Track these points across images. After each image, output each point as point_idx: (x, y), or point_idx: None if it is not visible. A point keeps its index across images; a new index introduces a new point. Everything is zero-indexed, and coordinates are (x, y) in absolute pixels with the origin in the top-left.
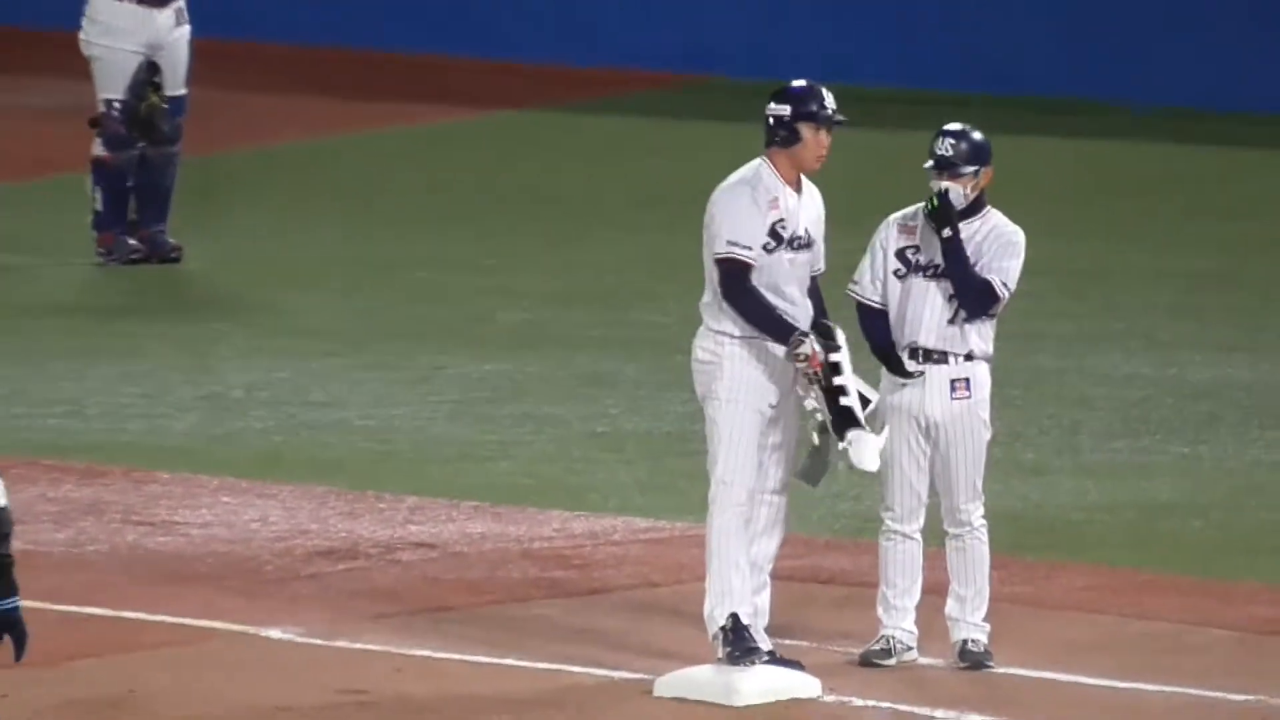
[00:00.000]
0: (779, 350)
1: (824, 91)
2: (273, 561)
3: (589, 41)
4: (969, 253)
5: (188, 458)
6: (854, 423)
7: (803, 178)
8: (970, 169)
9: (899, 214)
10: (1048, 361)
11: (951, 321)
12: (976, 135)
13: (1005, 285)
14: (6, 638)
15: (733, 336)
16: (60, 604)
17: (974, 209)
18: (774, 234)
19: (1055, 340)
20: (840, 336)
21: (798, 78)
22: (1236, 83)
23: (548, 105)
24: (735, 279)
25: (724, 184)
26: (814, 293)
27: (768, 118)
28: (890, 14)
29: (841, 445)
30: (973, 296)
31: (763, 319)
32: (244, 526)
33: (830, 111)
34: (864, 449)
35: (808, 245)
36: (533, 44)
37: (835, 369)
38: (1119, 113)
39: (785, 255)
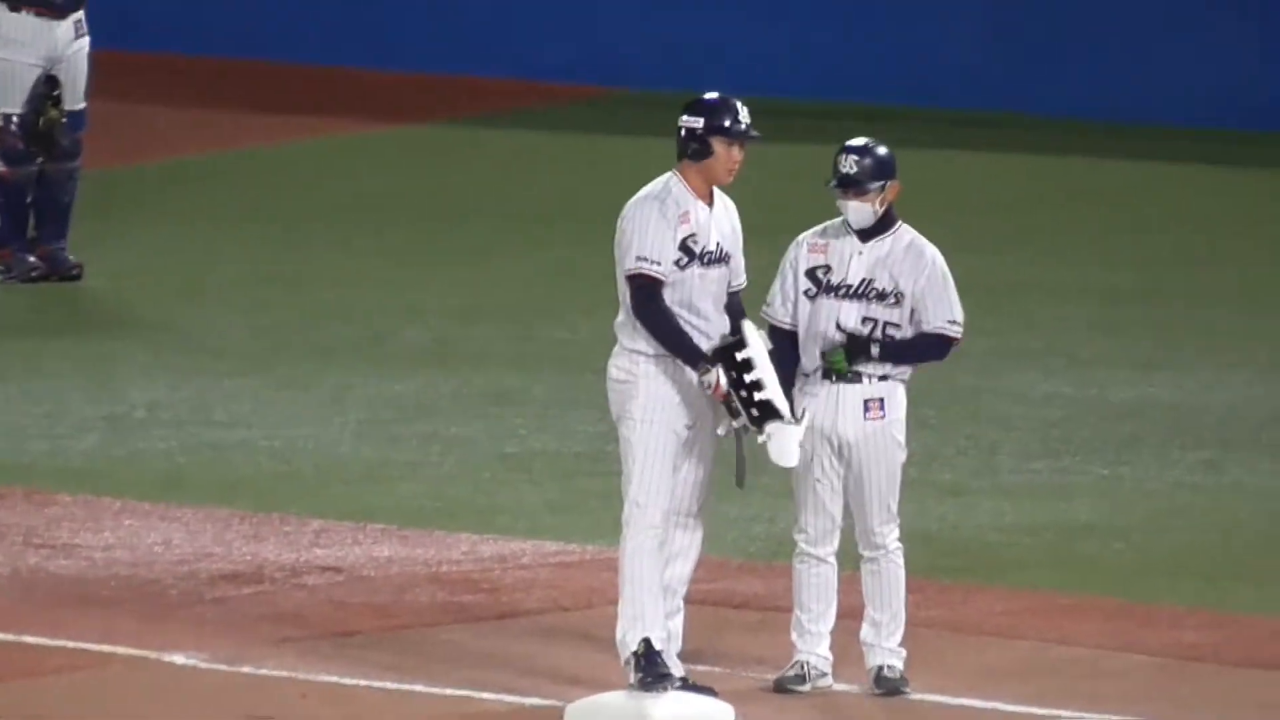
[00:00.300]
0: (689, 378)
1: (738, 104)
2: (176, 585)
3: (493, 54)
4: (880, 273)
5: (89, 479)
6: (773, 415)
7: (716, 191)
8: (875, 185)
9: (809, 232)
10: (965, 380)
11: (870, 336)
12: (881, 150)
13: (954, 322)
14: None
15: (647, 355)
16: None
17: (884, 225)
18: (685, 249)
19: (972, 358)
20: (750, 331)
21: (706, 89)
22: (1153, 95)
23: (452, 119)
24: (646, 295)
25: (634, 199)
26: (734, 308)
27: (679, 129)
28: (802, 25)
29: (761, 439)
30: (935, 357)
31: (672, 341)
32: (147, 549)
33: (744, 125)
34: (784, 442)
35: (721, 260)
36: (437, 56)
37: (746, 366)
38: (1035, 126)
39: (698, 271)
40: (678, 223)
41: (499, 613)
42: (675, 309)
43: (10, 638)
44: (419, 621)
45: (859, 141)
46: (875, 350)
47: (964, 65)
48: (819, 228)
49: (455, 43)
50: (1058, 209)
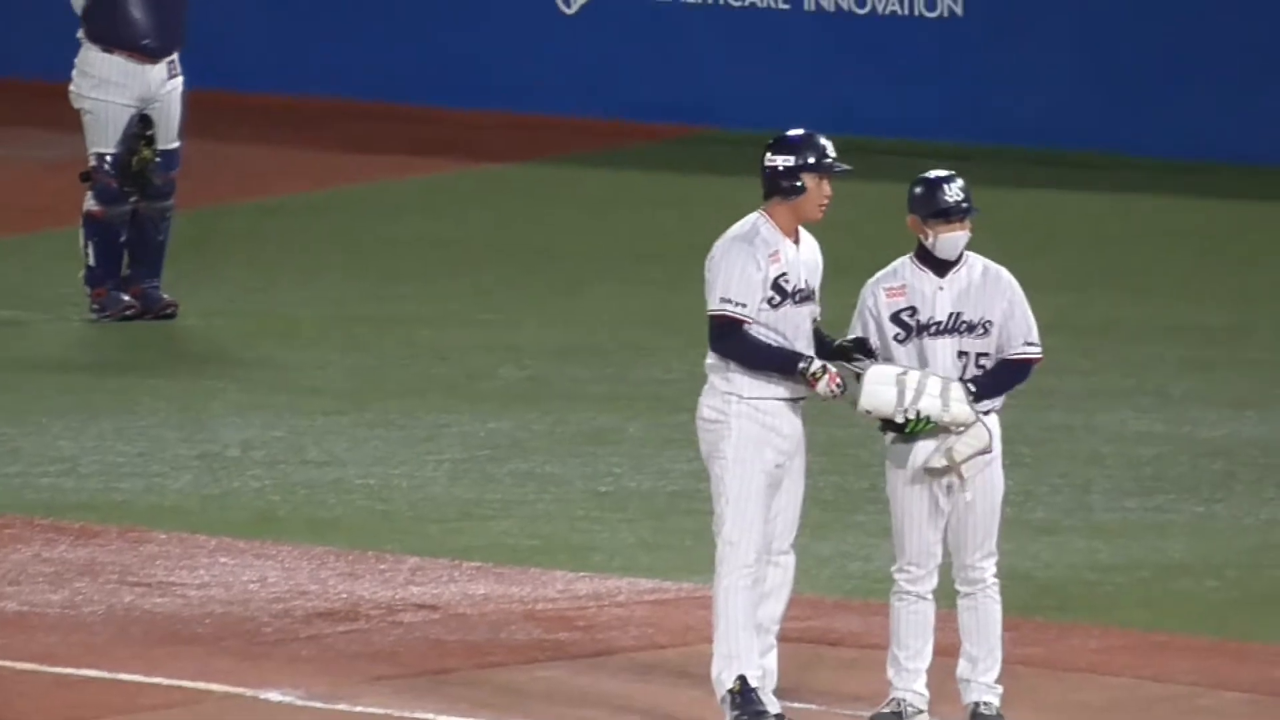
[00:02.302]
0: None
1: (823, 139)
2: (271, 623)
3: (586, 94)
4: (966, 305)
5: (184, 517)
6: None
7: (800, 228)
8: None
9: (878, 279)
10: (1058, 418)
11: (962, 377)
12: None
13: (1033, 343)
14: None
15: (740, 397)
16: (56, 666)
17: (960, 256)
18: (778, 288)
19: (1065, 396)
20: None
21: (789, 127)
22: (1247, 135)
23: (544, 158)
24: (723, 333)
25: (721, 239)
26: (818, 338)
27: (766, 168)
28: (889, 64)
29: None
30: (1020, 381)
31: (764, 357)
32: (242, 587)
33: (832, 159)
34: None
35: (810, 297)
36: (528, 96)
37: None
38: (1127, 165)
39: (791, 309)
40: (768, 262)
41: (595, 650)
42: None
43: (106, 675)
44: (515, 659)
45: (945, 171)
46: (972, 390)
47: (1054, 104)
48: (886, 271)
49: (546, 82)
50: (1148, 248)
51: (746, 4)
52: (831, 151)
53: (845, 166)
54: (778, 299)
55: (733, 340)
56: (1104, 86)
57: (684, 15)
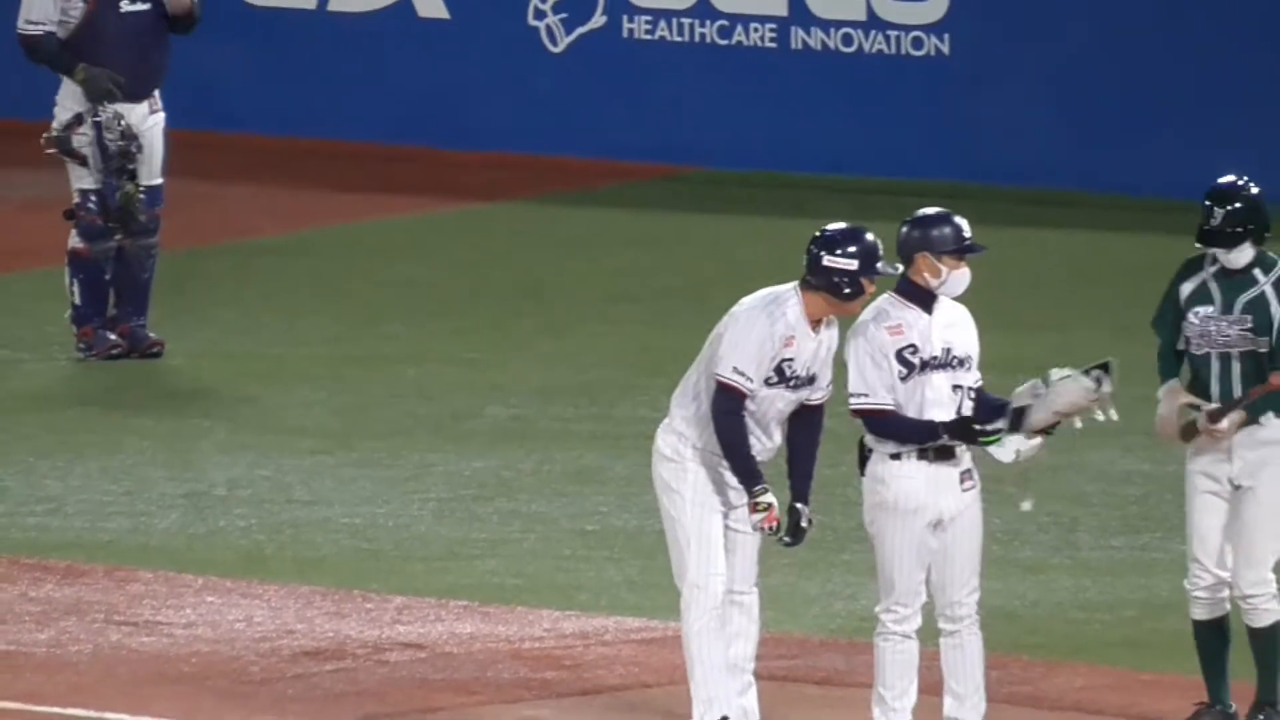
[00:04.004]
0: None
1: (878, 242)
2: (258, 662)
3: (571, 133)
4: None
5: (170, 556)
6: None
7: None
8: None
9: (872, 317)
10: (1044, 457)
11: (957, 414)
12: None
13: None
14: None
15: (695, 447)
16: (42, 705)
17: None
18: (779, 371)
19: (1050, 435)
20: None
21: (783, 169)
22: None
23: (528, 197)
24: (730, 405)
25: (748, 302)
26: (810, 426)
27: (821, 266)
28: (876, 104)
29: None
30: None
31: (738, 454)
32: (228, 626)
33: (883, 265)
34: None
35: (806, 384)
36: (516, 135)
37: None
38: (1112, 204)
39: (781, 392)
40: (781, 346)
41: (581, 689)
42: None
43: (93, 714)
44: (501, 698)
45: (943, 209)
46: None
47: (1039, 144)
48: (876, 311)
49: (530, 121)
50: (1132, 287)
51: (733, 42)
52: (883, 253)
53: (896, 270)
54: (775, 380)
55: (732, 419)
56: (1088, 126)
57: (669, 54)
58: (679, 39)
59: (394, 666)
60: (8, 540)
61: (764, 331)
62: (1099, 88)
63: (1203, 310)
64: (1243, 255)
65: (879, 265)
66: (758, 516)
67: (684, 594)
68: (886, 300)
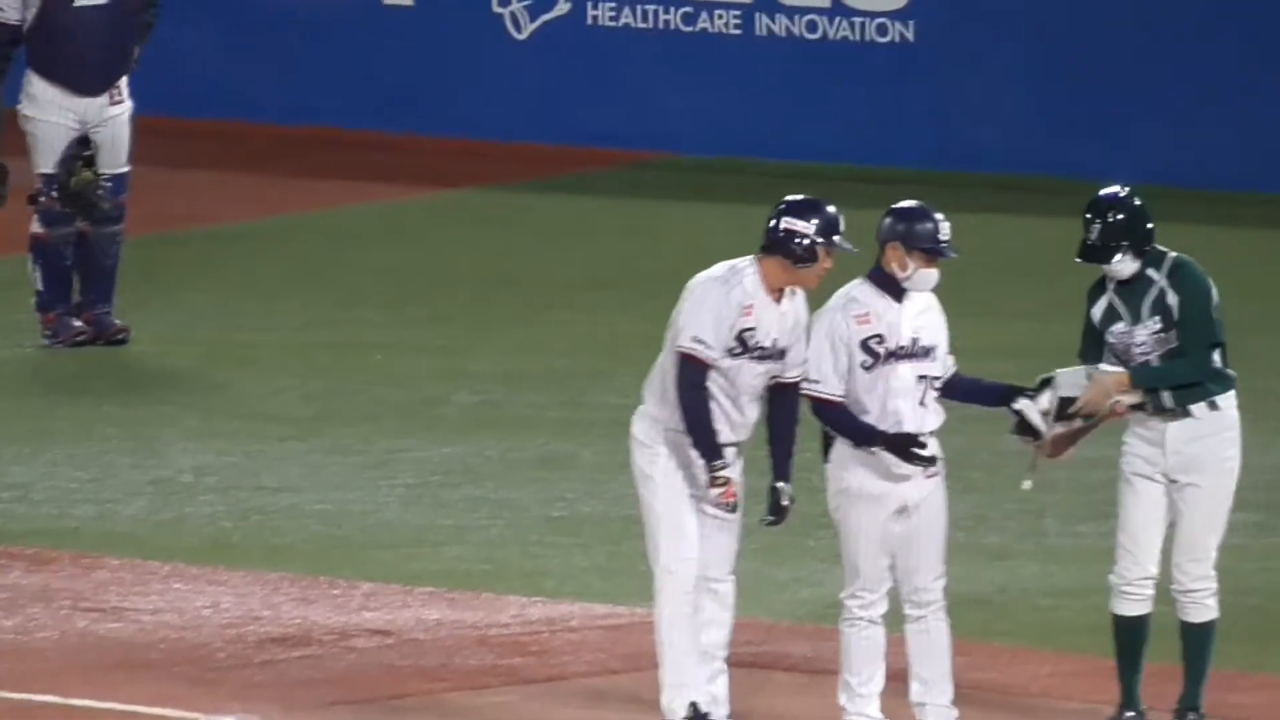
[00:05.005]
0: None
1: (839, 214)
2: (225, 648)
3: (537, 119)
4: (921, 330)
5: (137, 543)
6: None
7: (789, 289)
8: None
9: (843, 305)
10: (1011, 443)
11: (921, 403)
12: None
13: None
14: None
15: (667, 428)
16: (9, 692)
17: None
18: (740, 340)
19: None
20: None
21: (753, 156)
22: (1202, 160)
23: (497, 184)
24: (693, 376)
25: (703, 276)
26: (789, 404)
27: (781, 230)
28: (841, 90)
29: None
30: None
31: (700, 428)
32: (195, 613)
33: (840, 239)
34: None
35: (772, 356)
36: (483, 123)
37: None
38: (1084, 190)
39: (746, 363)
40: (739, 314)
41: (548, 675)
42: (714, 391)
43: (59, 700)
44: (468, 684)
45: (933, 209)
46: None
47: (1006, 129)
48: (846, 298)
49: (502, 108)
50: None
51: (698, 29)
52: (843, 228)
53: (854, 249)
54: (738, 349)
55: (695, 392)
56: (1057, 111)
57: (635, 40)
58: (643, 25)
59: (361, 653)
60: None
61: (719, 299)
62: (1067, 73)
63: (1117, 328)
64: (1126, 266)
65: (836, 238)
66: (716, 491)
67: (656, 579)
68: (858, 287)
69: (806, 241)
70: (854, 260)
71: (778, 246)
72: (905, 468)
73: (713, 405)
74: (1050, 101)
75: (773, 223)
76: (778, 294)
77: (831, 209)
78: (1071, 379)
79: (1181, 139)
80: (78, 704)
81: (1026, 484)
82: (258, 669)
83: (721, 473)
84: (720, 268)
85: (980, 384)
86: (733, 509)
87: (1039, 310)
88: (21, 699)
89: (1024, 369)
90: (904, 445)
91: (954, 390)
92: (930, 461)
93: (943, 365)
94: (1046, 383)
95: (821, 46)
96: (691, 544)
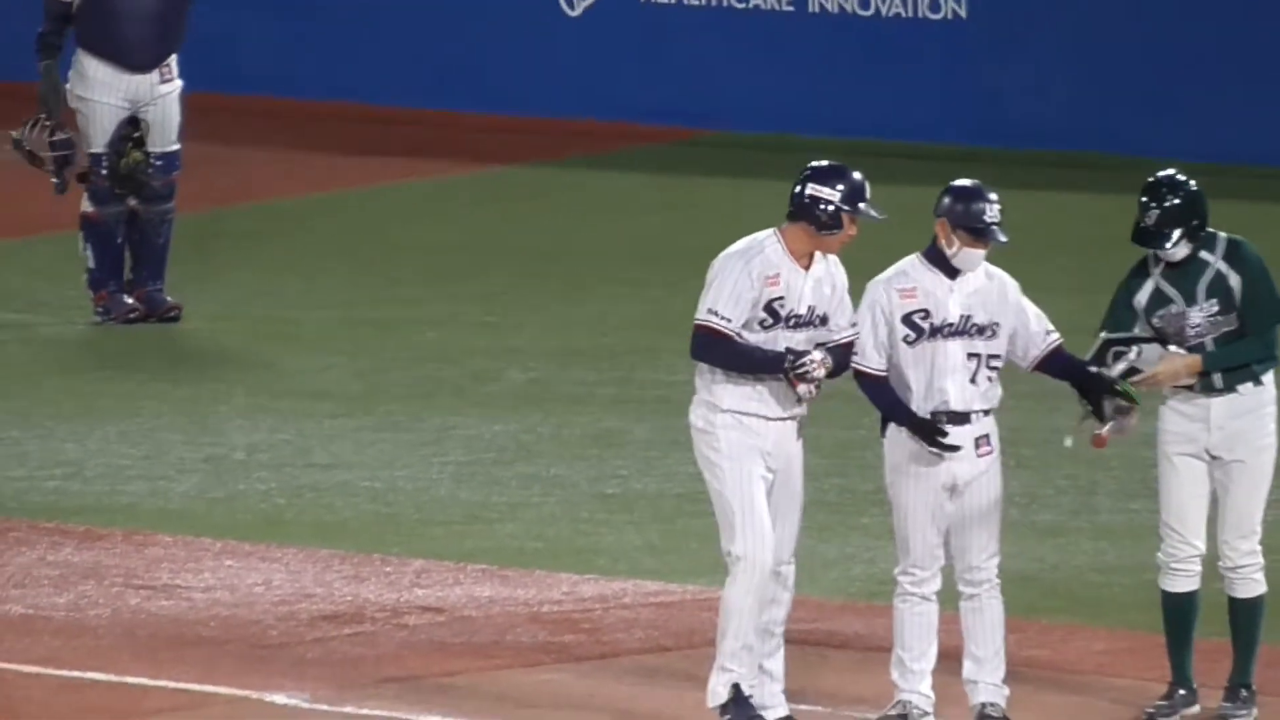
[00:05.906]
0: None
1: (865, 181)
2: (277, 626)
3: (589, 96)
4: (976, 309)
5: (189, 520)
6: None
7: (820, 254)
8: None
9: (887, 278)
10: (1063, 421)
11: (972, 381)
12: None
13: (1052, 331)
14: None
15: (721, 409)
16: (61, 669)
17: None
18: (770, 310)
19: (1070, 399)
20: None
21: (803, 133)
22: (1257, 136)
23: (549, 161)
24: (704, 343)
25: (724, 252)
26: (842, 352)
27: (805, 195)
28: (893, 66)
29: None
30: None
31: (745, 360)
32: (247, 590)
33: (866, 206)
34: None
35: (811, 323)
36: (534, 99)
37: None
38: (1134, 166)
39: (784, 333)
40: (763, 284)
41: (600, 653)
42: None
43: (111, 678)
44: (520, 662)
45: (988, 189)
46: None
47: (1059, 105)
48: (895, 272)
49: (551, 85)
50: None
51: (750, 6)
52: (869, 195)
53: (882, 216)
54: (770, 321)
55: (715, 350)
56: (1109, 86)
57: (687, 17)
58: (696, 2)
59: (413, 630)
60: (27, 504)
61: (739, 272)
62: (1119, 48)
63: (1168, 311)
64: (1180, 250)
65: (862, 205)
66: (804, 387)
67: (731, 567)
68: (909, 262)
69: (831, 208)
70: (915, 235)
71: (803, 213)
72: (978, 423)
73: (758, 382)
74: (1103, 77)
75: (798, 189)
76: (807, 260)
77: (857, 175)
78: (1151, 354)
79: (1233, 115)
80: (129, 681)
81: (1069, 441)
82: (309, 646)
83: (798, 362)
84: (741, 242)
85: (1073, 363)
86: (822, 380)
87: (1086, 286)
88: (73, 676)
89: (1071, 345)
90: (927, 430)
91: (1050, 366)
92: (952, 449)
93: (1002, 345)
94: (1109, 344)
95: (874, 23)
96: (767, 531)
